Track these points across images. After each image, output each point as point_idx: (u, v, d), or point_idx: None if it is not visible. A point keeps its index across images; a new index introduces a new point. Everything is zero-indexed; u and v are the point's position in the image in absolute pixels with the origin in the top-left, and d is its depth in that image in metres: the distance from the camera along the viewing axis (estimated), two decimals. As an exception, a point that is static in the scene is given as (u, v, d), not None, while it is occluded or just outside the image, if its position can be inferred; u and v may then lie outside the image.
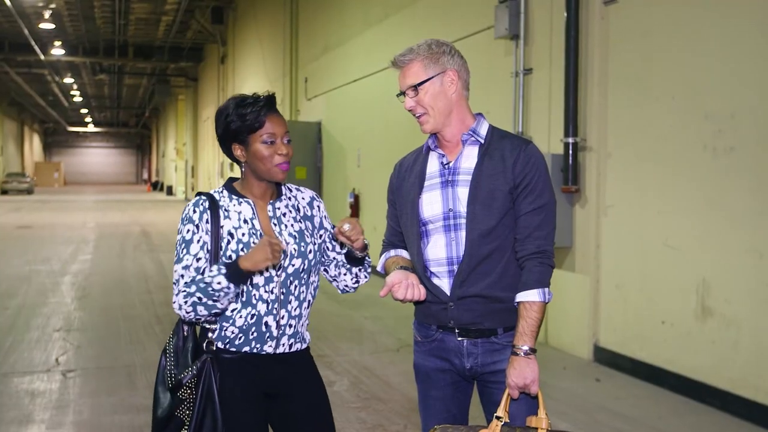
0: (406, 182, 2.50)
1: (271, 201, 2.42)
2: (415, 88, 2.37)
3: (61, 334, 7.07)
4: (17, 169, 49.06)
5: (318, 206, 2.54)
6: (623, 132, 5.87)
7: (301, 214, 2.48)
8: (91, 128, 64.94)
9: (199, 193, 2.38)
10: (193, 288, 2.24)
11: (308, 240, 2.42)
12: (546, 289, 2.31)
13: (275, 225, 2.40)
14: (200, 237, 2.31)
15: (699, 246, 5.12)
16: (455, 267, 2.36)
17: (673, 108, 5.35)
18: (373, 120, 10.88)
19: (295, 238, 2.40)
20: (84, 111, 53.39)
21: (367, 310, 8.16)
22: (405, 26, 9.79)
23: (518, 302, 2.31)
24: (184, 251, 2.30)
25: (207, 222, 2.31)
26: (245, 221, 2.35)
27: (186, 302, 2.25)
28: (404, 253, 2.52)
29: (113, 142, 76.72)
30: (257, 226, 2.36)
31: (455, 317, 2.37)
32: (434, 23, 8.84)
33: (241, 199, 2.39)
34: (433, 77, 2.37)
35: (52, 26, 23.14)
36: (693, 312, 5.14)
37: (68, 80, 36.58)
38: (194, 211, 2.34)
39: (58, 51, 26.71)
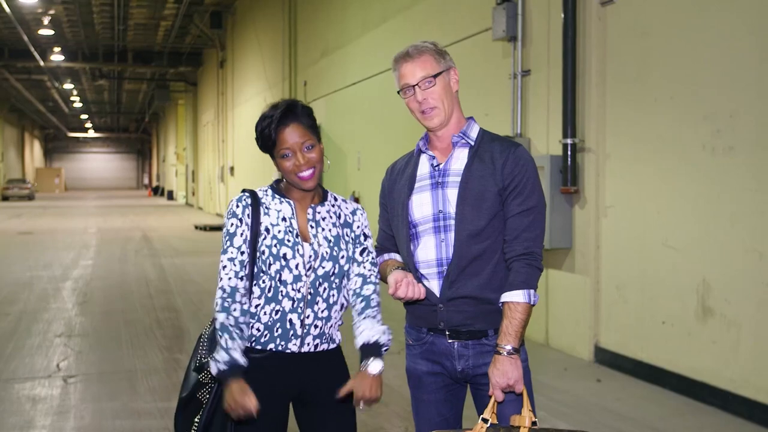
0: (397, 185, 2.51)
1: (313, 205, 2.49)
2: (433, 78, 2.37)
3: (62, 340, 7.08)
4: (18, 176, 49.12)
5: (360, 217, 2.55)
6: (622, 132, 5.87)
7: (342, 220, 2.52)
8: (91, 134, 64.95)
9: (243, 190, 2.50)
10: (219, 333, 2.36)
11: (343, 246, 2.47)
12: (532, 291, 2.30)
13: (312, 227, 2.45)
14: (243, 230, 2.42)
15: (699, 246, 5.12)
16: (445, 268, 2.37)
17: (671, 108, 5.36)
18: (372, 122, 10.89)
19: (329, 242, 2.45)
20: (84, 116, 53.40)
21: (368, 313, 8.15)
22: (403, 29, 9.80)
23: (503, 302, 2.30)
24: (228, 243, 2.44)
25: (248, 216, 2.43)
26: (283, 219, 2.44)
27: (215, 325, 2.39)
28: (397, 257, 2.54)
29: (113, 148, 76.73)
30: (294, 226, 2.44)
31: (445, 319, 2.38)
32: (432, 26, 8.85)
33: (282, 199, 2.48)
34: (443, 71, 2.40)
35: (51, 32, 23.19)
36: (693, 312, 5.14)
37: (68, 86, 36.63)
38: (237, 206, 2.46)
39: (57, 57, 26.73)
